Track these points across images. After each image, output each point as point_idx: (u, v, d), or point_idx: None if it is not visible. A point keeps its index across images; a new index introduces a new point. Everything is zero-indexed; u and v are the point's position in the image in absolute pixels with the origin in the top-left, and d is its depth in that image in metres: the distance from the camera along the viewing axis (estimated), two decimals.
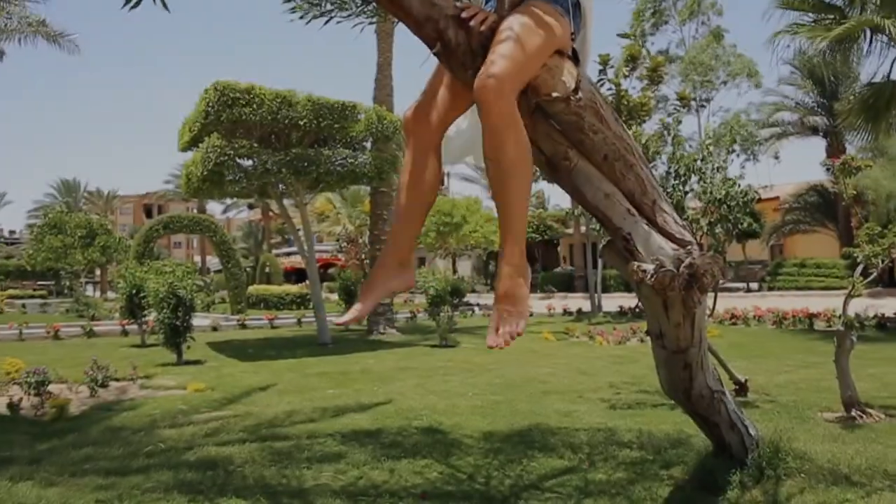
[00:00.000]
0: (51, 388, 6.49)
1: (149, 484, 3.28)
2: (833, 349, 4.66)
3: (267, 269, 39.11)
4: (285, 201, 11.37)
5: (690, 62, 26.35)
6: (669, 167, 4.78)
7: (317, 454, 3.84)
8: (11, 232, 71.40)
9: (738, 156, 31.21)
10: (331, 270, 42.33)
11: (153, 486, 3.26)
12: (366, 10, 3.79)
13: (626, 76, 14.33)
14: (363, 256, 20.33)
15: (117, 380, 7.08)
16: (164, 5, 2.97)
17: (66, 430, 4.60)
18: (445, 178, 41.47)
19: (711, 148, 5.06)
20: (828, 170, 5.29)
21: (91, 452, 3.94)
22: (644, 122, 16.02)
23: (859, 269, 4.52)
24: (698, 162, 4.73)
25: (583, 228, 23.93)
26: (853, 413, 4.48)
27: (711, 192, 4.56)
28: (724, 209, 4.64)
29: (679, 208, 4.74)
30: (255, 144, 8.97)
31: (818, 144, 28.65)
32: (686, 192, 4.69)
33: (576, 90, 1.85)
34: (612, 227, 2.18)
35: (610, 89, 15.19)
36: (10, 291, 43.20)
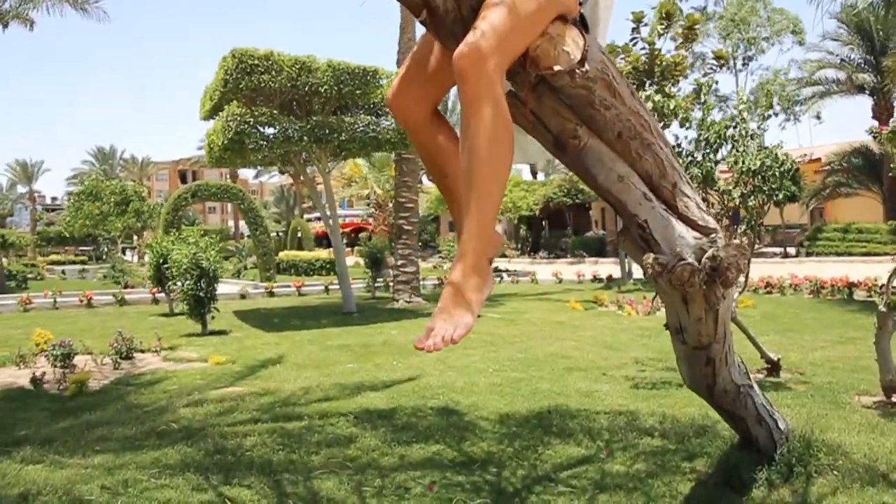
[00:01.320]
0: (76, 359, 6.61)
1: (155, 469, 3.23)
2: (873, 323, 4.38)
3: (298, 234, 39.44)
4: (309, 169, 11.26)
5: (731, 19, 25.21)
6: (699, 134, 4.47)
7: (327, 437, 3.76)
8: (53, 199, 73.27)
9: (776, 115, 30.10)
10: (361, 235, 42.56)
11: (159, 470, 3.21)
12: None
13: (660, 35, 13.74)
14: (391, 222, 20.22)
15: (142, 351, 7.16)
16: None
17: (85, 407, 4.60)
18: None
19: (746, 114, 4.73)
20: (874, 137, 4.93)
21: (105, 433, 3.93)
22: (678, 82, 15.46)
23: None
24: (731, 129, 4.41)
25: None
26: (894, 398, 4.22)
27: (745, 162, 4.25)
28: (758, 179, 4.34)
29: (709, 179, 4.47)
30: (276, 112, 8.82)
31: (864, 103, 27.39)
32: (717, 162, 4.39)
33: (581, 62, 1.63)
34: (626, 214, 1.97)
35: (644, 49, 14.61)
36: (53, 257, 44.52)
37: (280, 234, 44.09)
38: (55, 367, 6.43)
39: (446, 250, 21.19)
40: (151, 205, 32.47)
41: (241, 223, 48.71)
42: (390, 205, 20.79)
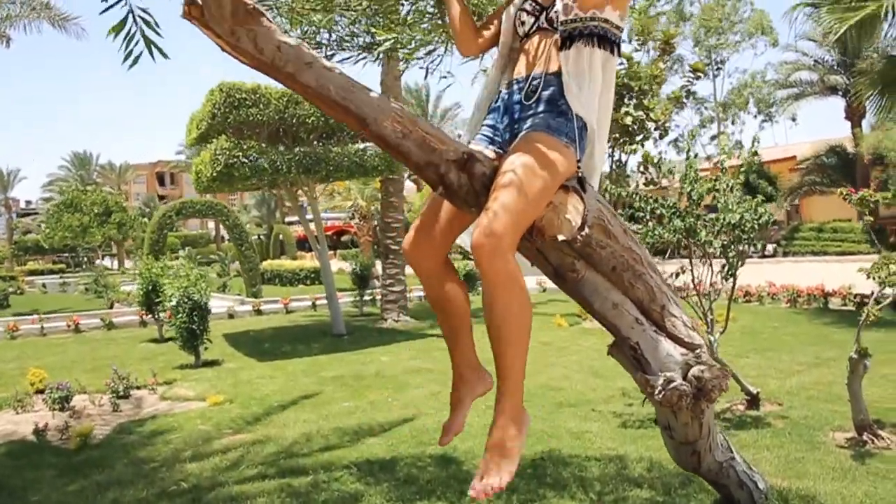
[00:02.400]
0: (75, 399, 6.71)
1: None
2: (848, 337, 4.63)
3: (280, 238, 39.38)
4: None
5: (702, 25, 25.62)
6: (683, 186, 4.69)
7: (334, 495, 3.93)
8: (28, 202, 72.24)
9: (755, 117, 30.69)
10: (344, 238, 42.54)
11: None
12: (365, 54, 3.73)
13: (637, 49, 14.02)
14: (375, 235, 20.34)
15: (138, 387, 7.25)
16: (163, 55, 2.92)
17: (91, 463, 4.72)
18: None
19: (726, 156, 4.97)
20: (845, 198, 5.12)
21: (117, 495, 4.06)
22: (656, 94, 15.76)
23: (873, 297, 4.47)
24: (715, 184, 4.64)
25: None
26: (865, 437, 4.49)
27: (726, 217, 4.49)
28: (737, 232, 4.58)
29: (692, 231, 4.69)
30: (265, 145, 8.93)
31: (838, 104, 27.97)
32: (698, 217, 4.62)
33: (582, 226, 1.83)
34: (620, 336, 2.18)
35: (621, 63, 14.89)
36: (30, 265, 43.96)
37: (261, 237, 43.98)
38: (54, 410, 6.53)
39: None
40: (133, 215, 32.28)
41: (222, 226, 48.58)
42: (373, 217, 20.93)
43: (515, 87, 1.89)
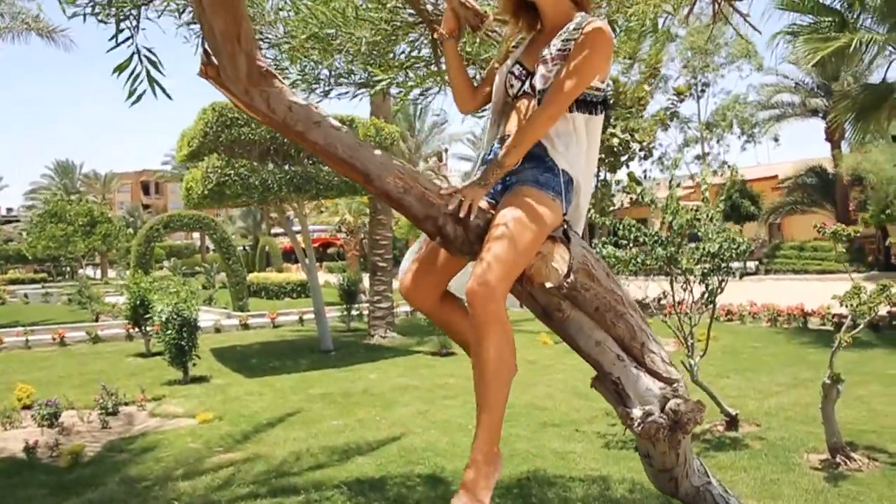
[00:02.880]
0: (63, 416, 6.74)
1: None
2: (826, 357, 4.80)
3: (266, 250, 39.31)
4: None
5: (690, 47, 26.12)
6: (664, 217, 4.88)
7: None
8: (9, 209, 71.51)
9: (738, 138, 31.23)
10: (330, 250, 42.55)
11: None
12: (361, 91, 3.88)
13: (623, 73, 14.32)
14: (362, 249, 20.44)
15: (126, 404, 7.28)
16: (166, 94, 3.04)
17: (83, 481, 4.78)
18: (444, 156, 41.46)
19: (708, 178, 5.16)
20: (819, 231, 5.30)
21: None
22: (641, 115, 16.11)
23: (845, 326, 4.67)
24: (696, 214, 4.83)
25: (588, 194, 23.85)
26: (838, 459, 4.66)
27: (705, 247, 4.68)
28: (717, 260, 4.76)
29: (673, 259, 4.87)
30: (256, 163, 9.05)
31: (818, 125, 28.52)
32: (679, 245, 4.80)
33: (568, 274, 1.97)
34: (602, 372, 2.32)
35: (608, 85, 15.22)
36: (10, 275, 43.49)
37: (247, 248, 43.87)
38: (42, 426, 6.55)
39: None
40: (118, 226, 32.12)
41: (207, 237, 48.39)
42: (360, 231, 21.04)
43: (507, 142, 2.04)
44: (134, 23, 2.97)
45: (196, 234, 56.65)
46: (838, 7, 10.60)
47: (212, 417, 6.62)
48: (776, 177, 32.48)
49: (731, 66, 27.71)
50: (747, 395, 7.00)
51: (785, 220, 32.20)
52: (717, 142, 31.56)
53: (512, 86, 2.05)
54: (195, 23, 2.95)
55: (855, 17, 10.28)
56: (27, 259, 41.27)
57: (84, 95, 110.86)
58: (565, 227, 2.05)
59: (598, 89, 2.01)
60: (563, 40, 1.94)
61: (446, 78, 2.90)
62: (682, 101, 16.23)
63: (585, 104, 1.98)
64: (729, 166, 29.13)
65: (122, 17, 2.96)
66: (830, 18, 10.64)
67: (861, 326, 4.66)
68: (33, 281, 40.40)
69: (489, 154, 2.14)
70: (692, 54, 26.45)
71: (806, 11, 10.75)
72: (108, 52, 2.92)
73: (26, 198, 61.04)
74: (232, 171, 8.69)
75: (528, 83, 2.00)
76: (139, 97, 2.97)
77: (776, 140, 28.63)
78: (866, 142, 19.00)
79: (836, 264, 25.10)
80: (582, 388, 7.52)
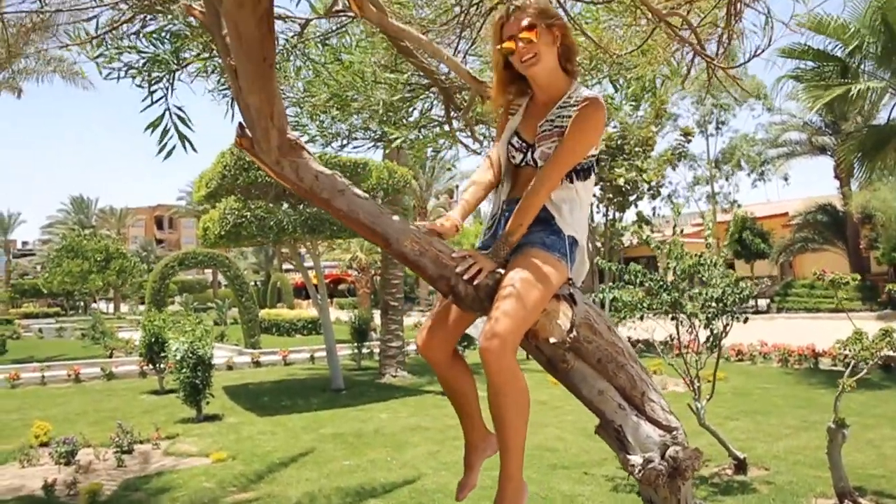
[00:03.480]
0: (80, 453, 6.85)
1: None
2: (833, 399, 4.84)
3: (278, 286, 39.61)
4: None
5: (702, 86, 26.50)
6: (667, 263, 5.01)
7: None
8: (24, 243, 72.57)
9: (748, 175, 31.40)
10: (341, 286, 42.78)
11: None
12: (376, 145, 4.08)
13: (629, 115, 14.59)
14: (373, 286, 20.61)
15: (141, 442, 7.39)
16: (194, 149, 3.24)
17: None
18: (455, 193, 41.86)
19: (710, 239, 5.31)
20: (819, 279, 5.38)
21: None
22: (648, 156, 16.32)
23: (847, 371, 4.75)
24: (700, 259, 4.97)
25: (598, 244, 24.12)
26: (846, 503, 4.69)
27: (709, 292, 4.80)
28: (719, 305, 4.88)
29: (677, 304, 4.99)
30: (272, 205, 9.30)
31: (827, 163, 28.62)
32: (683, 291, 4.93)
33: (571, 329, 2.12)
34: (605, 420, 2.44)
35: (615, 127, 15.50)
36: (25, 308, 43.95)
37: (258, 284, 44.18)
38: (60, 464, 6.66)
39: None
40: (133, 261, 32.55)
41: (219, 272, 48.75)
42: (373, 269, 21.24)
43: (515, 206, 2.20)
44: (167, 84, 3.19)
45: (208, 270, 57.18)
46: (839, 54, 10.84)
47: (225, 457, 6.71)
48: (786, 214, 32.56)
49: (741, 106, 27.99)
50: (756, 438, 7.02)
51: (797, 258, 32.16)
52: (727, 179, 31.75)
53: (514, 157, 2.21)
54: (225, 88, 3.17)
55: (856, 63, 10.52)
56: (42, 293, 41.82)
57: (101, 131, 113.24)
58: (570, 287, 2.19)
59: (591, 155, 2.18)
60: (558, 116, 2.11)
61: (456, 135, 3.10)
62: (689, 141, 16.49)
63: (583, 171, 2.15)
64: (739, 206, 29.29)
65: (155, 81, 3.18)
66: (832, 65, 10.88)
67: (864, 371, 4.73)
68: (47, 315, 40.85)
69: (499, 214, 2.28)
70: (702, 94, 26.83)
71: (808, 58, 11.01)
72: (141, 111, 3.14)
73: (43, 232, 61.91)
74: (248, 213, 8.94)
75: (529, 156, 2.16)
76: (170, 152, 3.17)
77: (786, 179, 28.72)
78: (874, 180, 19.07)
79: (847, 303, 25.01)
80: (591, 430, 7.54)
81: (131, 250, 47.80)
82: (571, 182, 2.12)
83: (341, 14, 2.46)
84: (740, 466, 5.71)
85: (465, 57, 2.85)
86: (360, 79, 3.10)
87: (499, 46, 2.13)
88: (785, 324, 21.83)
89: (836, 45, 10.98)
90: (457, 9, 2.83)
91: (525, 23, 2.07)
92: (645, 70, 2.98)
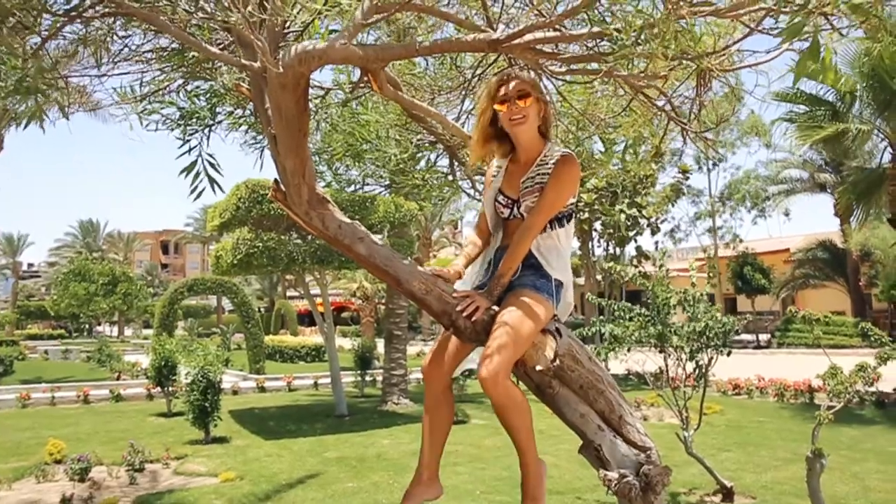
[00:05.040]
0: (93, 471, 7.14)
1: None
2: (829, 434, 5.11)
3: (282, 313, 39.90)
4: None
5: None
6: (647, 298, 5.35)
7: None
8: (30, 265, 73.13)
9: (749, 211, 31.77)
10: (344, 314, 43.03)
11: None
12: (385, 189, 4.46)
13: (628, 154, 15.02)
14: (377, 315, 20.91)
15: (151, 461, 7.67)
16: (222, 190, 3.60)
17: None
18: (459, 224, 42.34)
19: (695, 273, 5.64)
20: (793, 314, 5.65)
21: None
22: (648, 193, 16.73)
23: (825, 404, 5.05)
24: (682, 297, 5.31)
25: (598, 276, 24.50)
26: None
27: (692, 325, 5.13)
28: (703, 339, 5.20)
29: (663, 336, 5.32)
30: (283, 237, 9.69)
31: (827, 199, 28.93)
32: (668, 325, 5.26)
33: (554, 359, 2.46)
34: (586, 440, 2.77)
35: (616, 164, 15.93)
36: (30, 330, 44.28)
37: (262, 310, 44.48)
38: (74, 481, 6.95)
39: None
40: (139, 285, 32.96)
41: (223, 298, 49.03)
42: (375, 298, 21.56)
43: (505, 252, 2.56)
44: (201, 135, 3.59)
45: (212, 296, 57.51)
46: (831, 99, 11.30)
47: (234, 477, 6.99)
48: (787, 250, 32.89)
49: (740, 144, 28.48)
50: (745, 469, 7.26)
51: (799, 293, 32.39)
52: (731, 215, 32.10)
53: (502, 212, 2.58)
54: (255, 142, 3.57)
55: (846, 108, 10.96)
56: (47, 315, 42.20)
57: (110, 155, 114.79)
58: (556, 322, 2.55)
59: (570, 204, 2.55)
60: (538, 173, 2.48)
61: (459, 184, 3.48)
62: (686, 178, 16.90)
63: (560, 220, 2.51)
64: (741, 240, 29.64)
65: (191, 133, 3.58)
66: (824, 108, 11.33)
67: (840, 405, 5.02)
68: (51, 337, 41.22)
69: (491, 259, 2.64)
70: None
71: (800, 102, 11.46)
72: (176, 158, 3.53)
73: (50, 254, 62.42)
74: (260, 244, 9.33)
75: (515, 210, 2.53)
76: (200, 193, 3.55)
77: (787, 214, 29.02)
78: (872, 218, 19.46)
79: (848, 339, 25.17)
80: (586, 459, 7.82)
81: (137, 274, 48.27)
82: (553, 230, 2.49)
83: (361, 87, 2.85)
84: (727, 495, 5.97)
85: (467, 117, 3.24)
86: (374, 135, 3.49)
87: (494, 106, 2.50)
88: (786, 358, 21.99)
89: (828, 91, 11.43)
90: (466, 74, 3.23)
91: (522, 91, 2.47)
92: (627, 132, 3.36)
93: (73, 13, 2.53)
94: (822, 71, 1.61)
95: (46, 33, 2.55)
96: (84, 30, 2.87)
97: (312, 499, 6.15)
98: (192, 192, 3.55)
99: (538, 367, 2.45)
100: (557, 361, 2.50)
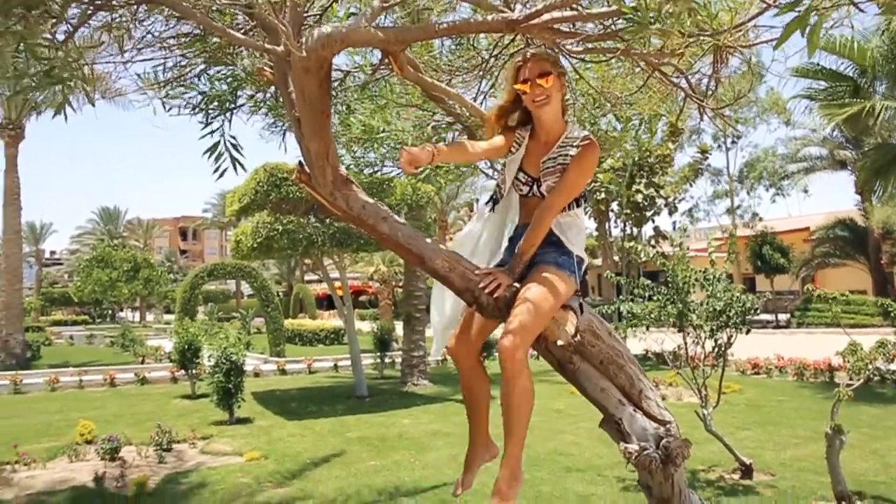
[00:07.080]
0: (123, 451, 7.34)
1: None
2: (849, 412, 5.14)
3: (300, 297, 40.24)
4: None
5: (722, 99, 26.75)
6: (668, 277, 5.36)
7: None
8: (52, 252, 74.23)
9: (767, 189, 31.40)
10: (362, 298, 43.32)
11: None
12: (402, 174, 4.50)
13: (645, 134, 14.93)
14: (394, 297, 21.05)
15: (177, 441, 7.85)
16: (244, 168, 3.66)
17: None
18: (475, 206, 42.28)
19: (715, 256, 5.64)
20: (811, 292, 5.59)
21: None
22: (666, 172, 16.61)
23: (844, 382, 5.05)
24: (702, 276, 5.31)
25: (615, 257, 24.41)
26: None
27: (710, 304, 5.14)
28: (723, 318, 5.21)
29: (682, 317, 5.34)
30: (302, 219, 9.79)
31: (847, 177, 28.45)
32: (687, 304, 5.27)
33: (575, 334, 2.51)
34: (607, 414, 2.82)
35: (633, 145, 15.83)
36: (54, 316, 45.11)
37: (281, 294, 44.89)
38: (104, 460, 7.16)
39: None
40: (160, 271, 33.41)
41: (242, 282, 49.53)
42: (395, 281, 21.68)
43: (524, 231, 2.59)
44: (223, 118, 3.65)
45: (231, 280, 58.08)
46: (851, 74, 11.11)
47: (258, 456, 7.15)
48: (808, 229, 32.44)
49: (759, 121, 28.07)
50: (765, 447, 7.28)
51: (818, 273, 32.00)
52: (749, 193, 31.75)
53: (521, 190, 2.61)
54: (275, 126, 3.62)
55: (867, 83, 10.78)
56: (71, 301, 42.97)
57: (128, 140, 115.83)
58: (578, 298, 2.59)
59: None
60: (560, 154, 2.51)
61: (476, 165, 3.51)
62: (705, 158, 16.73)
63: (578, 200, 2.55)
64: (760, 219, 29.32)
65: (213, 116, 3.64)
66: (844, 84, 11.14)
67: (861, 381, 5.03)
68: (75, 322, 41.98)
69: (512, 236, 2.68)
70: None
71: (820, 78, 11.28)
72: (199, 139, 3.59)
73: (72, 241, 63.21)
74: (280, 227, 9.44)
75: (535, 189, 2.56)
76: (223, 173, 3.61)
77: (806, 191, 28.61)
78: (894, 194, 19.15)
79: (869, 318, 24.91)
80: (607, 436, 7.87)
81: (157, 261, 48.88)
82: (572, 209, 2.52)
83: (383, 69, 2.89)
84: (746, 471, 6.01)
85: (485, 98, 3.27)
86: (391, 116, 3.53)
87: (515, 86, 2.53)
88: (805, 338, 21.84)
89: (849, 65, 11.24)
90: (483, 54, 3.26)
91: (542, 70, 2.48)
92: (643, 109, 3.37)
93: (101, 1, 2.58)
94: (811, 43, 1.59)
95: (75, 22, 2.61)
96: (109, 17, 2.92)
97: (336, 476, 6.29)
98: (215, 171, 3.61)
99: (559, 342, 2.50)
100: (578, 337, 2.54)
